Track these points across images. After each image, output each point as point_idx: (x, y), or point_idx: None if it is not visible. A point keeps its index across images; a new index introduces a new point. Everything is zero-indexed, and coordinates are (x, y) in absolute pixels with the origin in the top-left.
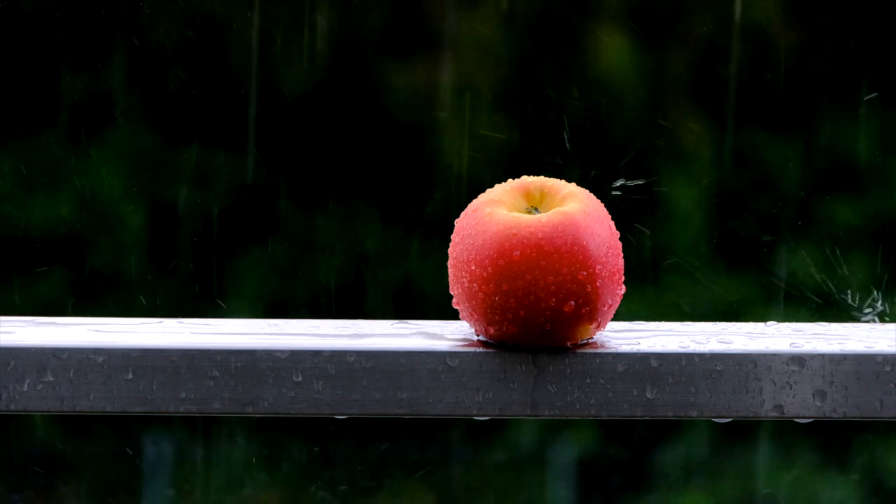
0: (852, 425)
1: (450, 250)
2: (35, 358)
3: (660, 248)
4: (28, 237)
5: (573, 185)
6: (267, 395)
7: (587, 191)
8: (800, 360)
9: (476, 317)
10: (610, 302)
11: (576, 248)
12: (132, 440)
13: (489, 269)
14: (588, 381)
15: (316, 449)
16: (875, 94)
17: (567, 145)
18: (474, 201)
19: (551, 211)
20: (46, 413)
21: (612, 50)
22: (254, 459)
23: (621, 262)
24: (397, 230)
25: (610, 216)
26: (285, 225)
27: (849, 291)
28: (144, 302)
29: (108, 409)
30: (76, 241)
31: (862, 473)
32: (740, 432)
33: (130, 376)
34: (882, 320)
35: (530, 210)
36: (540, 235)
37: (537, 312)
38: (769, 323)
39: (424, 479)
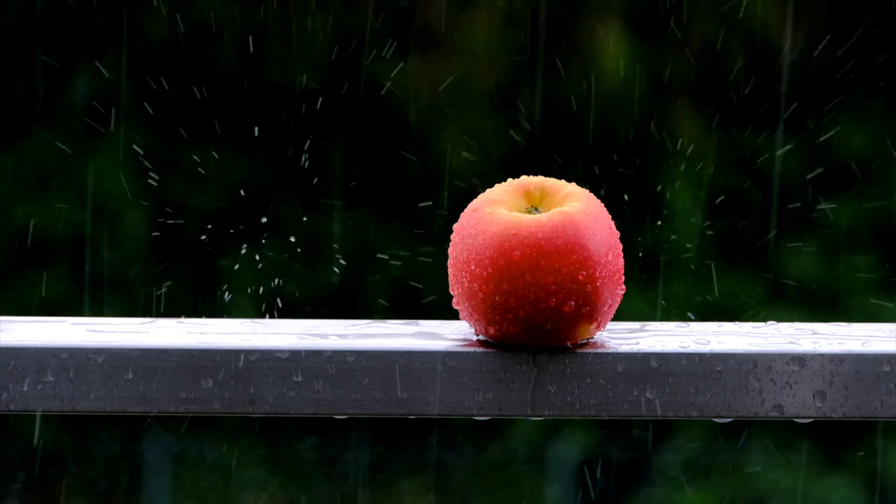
0: (852, 425)
1: (450, 250)
2: (35, 358)
3: (659, 247)
4: (28, 237)
5: (573, 184)
6: (267, 395)
7: (587, 191)
8: (800, 360)
9: (476, 317)
10: (610, 302)
11: (576, 248)
12: (132, 440)
13: (489, 269)
14: (588, 381)
15: (316, 449)
16: (875, 94)
17: (566, 145)
18: (474, 201)
19: (551, 211)
20: (46, 413)
21: (611, 49)
22: (254, 459)
23: (621, 262)
24: (397, 230)
25: (610, 216)
26: (285, 224)
27: (849, 291)
28: (145, 302)
29: (108, 409)
30: (77, 240)
31: (862, 473)
32: (740, 432)
33: (130, 376)
34: (881, 320)
35: (530, 210)
36: (540, 235)
37: (537, 312)
38: (769, 323)
39: (424, 479)
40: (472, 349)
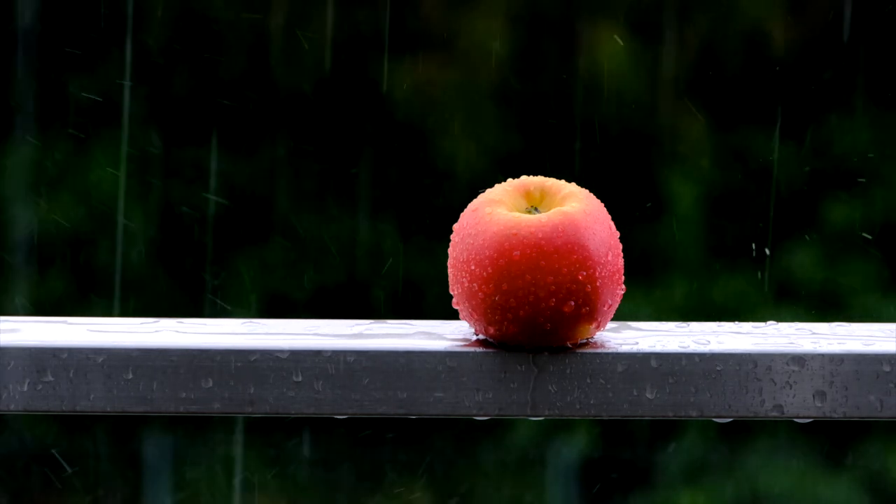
0: (852, 425)
1: (450, 250)
2: (35, 358)
3: (659, 247)
4: (28, 237)
5: (573, 184)
6: (267, 395)
7: (587, 191)
8: (800, 360)
9: (476, 317)
10: (610, 302)
11: (576, 248)
12: (132, 440)
13: (489, 269)
14: (588, 381)
15: (316, 449)
16: (876, 94)
17: (566, 145)
18: (474, 201)
19: (551, 211)
20: (46, 413)
21: (611, 49)
22: (253, 459)
23: (621, 261)
24: (397, 229)
25: (610, 216)
26: (285, 224)
27: (849, 291)
28: (144, 302)
29: (108, 409)
30: (77, 240)
31: (862, 473)
32: (740, 432)
33: (130, 376)
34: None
35: (530, 210)
36: (540, 235)
37: (537, 312)
38: (769, 323)
39: (424, 479)
40: (472, 349)
